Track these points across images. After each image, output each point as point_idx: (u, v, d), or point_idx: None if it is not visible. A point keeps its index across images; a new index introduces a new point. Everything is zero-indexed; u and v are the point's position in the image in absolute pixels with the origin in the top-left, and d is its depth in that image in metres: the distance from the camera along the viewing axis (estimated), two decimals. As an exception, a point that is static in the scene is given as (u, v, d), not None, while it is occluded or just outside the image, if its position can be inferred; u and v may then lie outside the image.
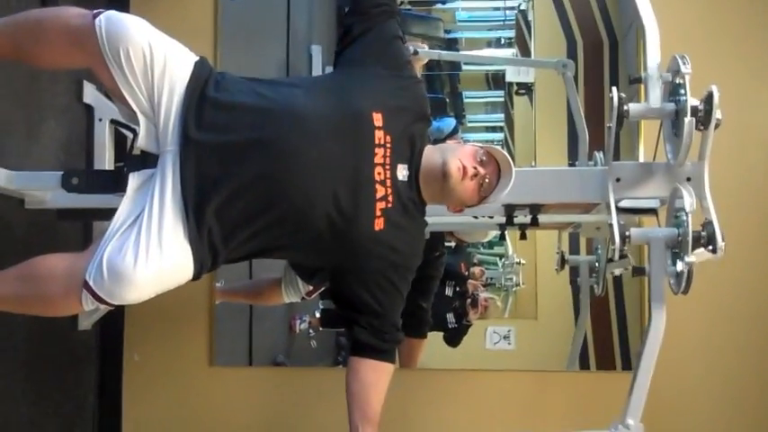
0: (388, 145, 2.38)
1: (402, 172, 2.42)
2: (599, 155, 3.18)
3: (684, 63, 2.48)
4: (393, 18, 2.60)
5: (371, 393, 2.46)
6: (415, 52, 3.97)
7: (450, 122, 4.47)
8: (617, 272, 3.69)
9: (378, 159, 2.36)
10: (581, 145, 3.68)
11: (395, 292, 2.47)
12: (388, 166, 2.38)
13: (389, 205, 2.38)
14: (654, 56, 2.51)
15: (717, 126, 2.45)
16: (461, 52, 4.95)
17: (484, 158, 2.44)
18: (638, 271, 2.56)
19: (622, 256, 3.39)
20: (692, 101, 2.46)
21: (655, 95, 2.57)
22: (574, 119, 3.82)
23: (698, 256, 2.39)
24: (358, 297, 2.44)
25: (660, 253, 2.50)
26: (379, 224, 2.36)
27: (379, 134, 2.36)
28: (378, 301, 2.44)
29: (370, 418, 2.43)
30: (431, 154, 2.48)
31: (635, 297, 3.78)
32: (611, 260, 3.00)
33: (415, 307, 3.89)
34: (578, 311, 3.91)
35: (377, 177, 2.36)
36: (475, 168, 2.41)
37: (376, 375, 2.48)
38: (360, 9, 2.58)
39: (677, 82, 2.52)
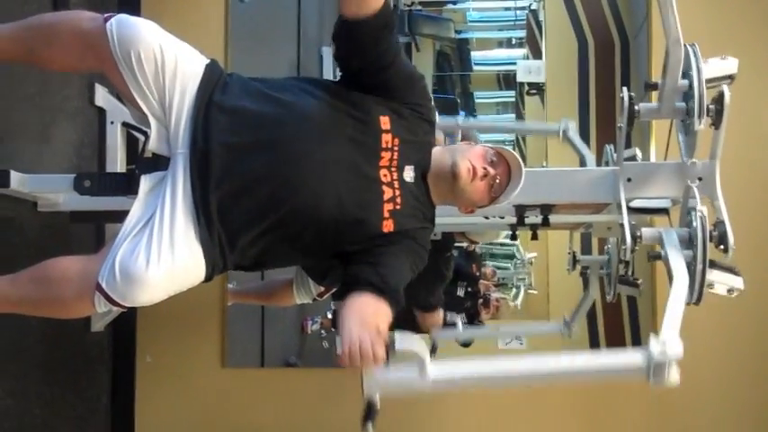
0: (396, 148, 2.38)
1: (409, 173, 2.42)
2: (609, 147, 3.16)
3: (696, 58, 2.47)
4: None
5: (369, 310, 2.17)
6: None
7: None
8: (627, 293, 3.68)
9: (384, 162, 2.37)
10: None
11: (400, 257, 2.38)
12: (394, 169, 2.38)
13: (398, 207, 2.37)
14: (676, 64, 2.47)
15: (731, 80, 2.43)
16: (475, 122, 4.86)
17: (494, 159, 2.43)
18: (655, 256, 2.53)
19: (634, 284, 3.39)
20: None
21: (668, 97, 2.55)
22: (585, 122, 3.82)
23: (719, 277, 2.39)
24: (364, 257, 2.35)
25: (675, 242, 2.46)
26: (388, 226, 2.35)
27: (386, 137, 2.36)
28: (382, 258, 2.34)
29: (370, 322, 2.09)
30: (440, 155, 2.47)
31: (647, 294, 3.77)
32: (622, 261, 2.99)
33: (424, 303, 3.92)
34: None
35: (383, 179, 2.36)
36: (485, 169, 2.40)
37: (377, 303, 2.21)
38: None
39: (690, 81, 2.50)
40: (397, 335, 1.99)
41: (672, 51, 2.42)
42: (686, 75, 2.50)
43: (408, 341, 2.01)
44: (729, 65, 2.50)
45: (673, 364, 2.07)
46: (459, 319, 4.25)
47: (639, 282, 3.50)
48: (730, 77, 2.48)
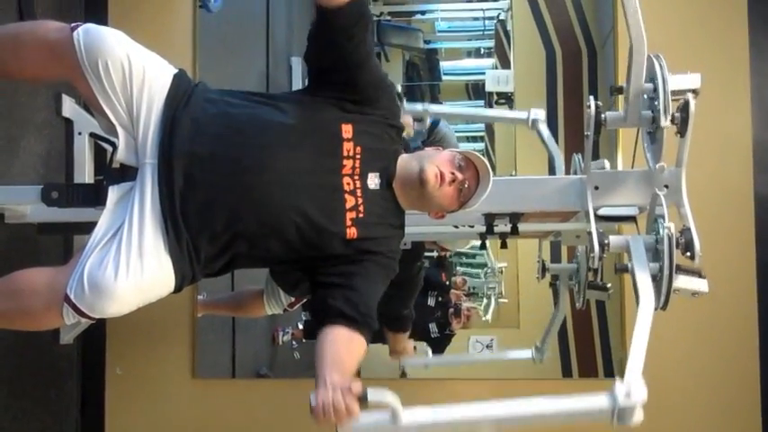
0: (358, 156, 2.37)
1: (374, 181, 2.42)
2: (578, 157, 3.18)
3: (662, 67, 2.49)
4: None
5: (342, 350, 2.24)
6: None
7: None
8: (596, 298, 3.70)
9: (346, 170, 2.36)
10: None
11: (370, 275, 2.40)
12: (357, 177, 2.38)
13: (361, 215, 2.37)
14: (639, 66, 2.49)
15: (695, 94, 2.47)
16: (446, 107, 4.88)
17: (462, 164, 2.43)
18: (622, 268, 2.56)
19: (603, 288, 3.41)
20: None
21: (633, 105, 2.57)
22: (553, 130, 3.84)
23: (684, 282, 2.41)
24: (333, 278, 2.37)
25: (642, 255, 2.49)
26: (351, 233, 2.35)
27: (347, 146, 2.36)
28: (352, 281, 2.36)
29: (341, 368, 2.16)
30: (407, 161, 2.47)
31: (616, 303, 3.79)
32: (591, 270, 3.01)
33: (396, 314, 3.91)
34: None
35: (346, 188, 2.36)
36: (453, 174, 2.40)
37: (349, 340, 2.27)
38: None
39: (655, 87, 2.53)
40: (369, 389, 2.01)
41: (636, 48, 2.44)
42: (651, 81, 2.52)
43: (380, 394, 2.03)
44: (692, 79, 2.52)
45: (637, 407, 2.12)
46: (429, 349, 4.28)
47: (608, 285, 3.53)
48: (694, 91, 2.50)
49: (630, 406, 2.10)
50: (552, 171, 3.66)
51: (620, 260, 3.00)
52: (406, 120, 3.92)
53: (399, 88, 4.68)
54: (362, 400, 2.00)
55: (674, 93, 2.48)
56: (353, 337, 2.28)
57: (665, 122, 2.45)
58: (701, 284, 2.46)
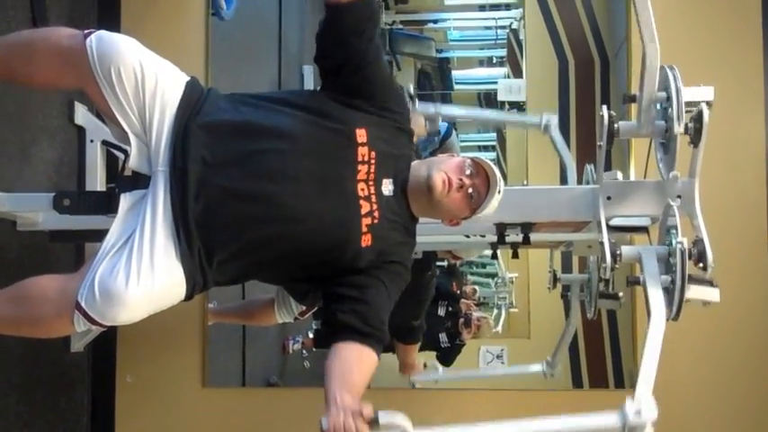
0: (372, 161, 2.36)
1: (387, 187, 2.40)
2: (590, 167, 3.17)
3: (675, 78, 2.48)
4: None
5: (354, 369, 2.24)
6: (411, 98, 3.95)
7: (442, 125, 4.42)
8: (608, 307, 3.69)
9: (361, 176, 2.35)
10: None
11: (381, 287, 2.39)
12: (372, 182, 2.36)
13: (376, 221, 2.35)
14: (652, 75, 2.48)
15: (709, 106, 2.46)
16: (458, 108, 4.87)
17: (472, 170, 2.42)
18: (633, 281, 2.55)
19: (614, 297, 3.40)
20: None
21: (646, 114, 2.55)
22: (566, 140, 3.83)
23: (696, 292, 2.40)
24: (344, 290, 2.36)
25: (654, 270, 2.48)
26: (366, 240, 2.33)
27: (362, 150, 2.35)
28: (364, 295, 2.35)
29: (351, 388, 2.16)
30: (417, 168, 2.45)
31: (627, 314, 3.78)
32: (602, 280, 3.00)
33: (407, 325, 3.90)
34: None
35: (360, 193, 2.34)
36: (461, 180, 2.38)
37: (359, 357, 2.28)
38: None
39: (668, 96, 2.51)
40: (380, 413, 2.01)
41: (648, 53, 2.43)
42: (665, 90, 2.51)
43: (391, 417, 2.04)
44: (705, 92, 2.51)
45: (648, 426, 2.12)
46: (440, 366, 4.27)
47: (620, 294, 3.51)
48: (707, 103, 2.49)
49: (641, 424, 2.11)
50: (564, 180, 3.65)
51: (631, 270, 2.99)
52: (419, 120, 3.90)
53: (412, 89, 4.67)
54: (373, 423, 2.01)
55: (687, 104, 2.47)
56: (364, 353, 2.28)
57: (678, 129, 2.44)
58: (713, 294, 2.44)
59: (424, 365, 4.20)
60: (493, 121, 4.69)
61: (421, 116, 3.99)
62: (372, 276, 2.38)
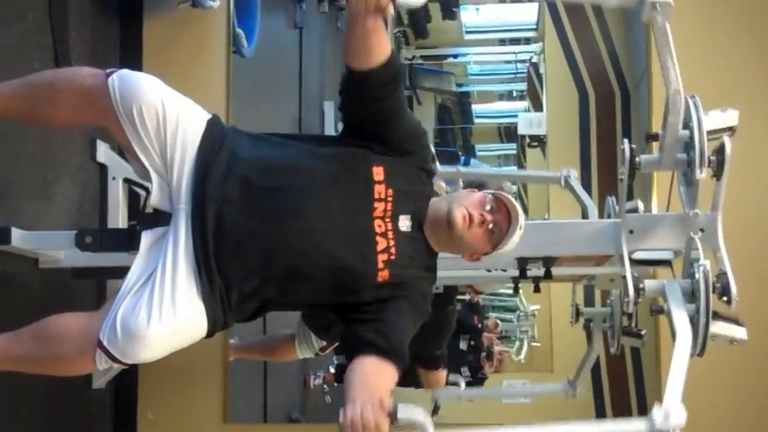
0: (390, 198, 2.35)
1: (405, 223, 2.38)
2: (611, 199, 3.16)
3: (697, 108, 2.46)
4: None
5: (372, 379, 2.16)
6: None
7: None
8: (631, 344, 3.66)
9: (378, 213, 2.34)
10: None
11: (401, 313, 2.35)
12: (389, 219, 2.36)
13: (393, 257, 2.34)
14: (676, 116, 2.46)
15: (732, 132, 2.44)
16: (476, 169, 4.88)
17: (493, 206, 2.40)
18: (657, 310, 2.52)
19: (638, 335, 3.37)
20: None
21: (668, 149, 2.54)
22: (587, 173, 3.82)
23: (722, 329, 2.38)
24: (363, 315, 2.33)
25: (678, 297, 2.45)
26: (383, 276, 2.32)
27: (379, 188, 2.34)
28: (384, 316, 2.32)
29: (372, 392, 2.07)
30: (437, 203, 2.43)
31: (651, 347, 3.75)
32: (625, 314, 2.97)
33: (429, 354, 3.88)
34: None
35: (377, 230, 2.33)
36: (482, 216, 2.35)
37: (379, 369, 2.21)
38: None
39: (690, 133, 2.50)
40: (399, 405, 1.98)
41: (672, 101, 2.41)
42: (687, 126, 2.49)
43: (410, 411, 2.00)
44: (730, 116, 2.49)
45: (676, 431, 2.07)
46: (462, 380, 4.23)
47: (643, 332, 3.48)
48: (731, 129, 2.47)
49: (668, 430, 2.06)
50: (585, 217, 3.64)
51: (654, 302, 2.97)
52: (440, 186, 3.90)
53: (433, 149, 4.69)
54: (392, 416, 1.97)
55: (710, 132, 2.45)
56: (384, 367, 2.22)
57: (700, 175, 2.42)
58: (740, 332, 2.41)
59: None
60: (514, 178, 4.69)
61: (441, 181, 3.99)
62: (392, 303, 2.35)
